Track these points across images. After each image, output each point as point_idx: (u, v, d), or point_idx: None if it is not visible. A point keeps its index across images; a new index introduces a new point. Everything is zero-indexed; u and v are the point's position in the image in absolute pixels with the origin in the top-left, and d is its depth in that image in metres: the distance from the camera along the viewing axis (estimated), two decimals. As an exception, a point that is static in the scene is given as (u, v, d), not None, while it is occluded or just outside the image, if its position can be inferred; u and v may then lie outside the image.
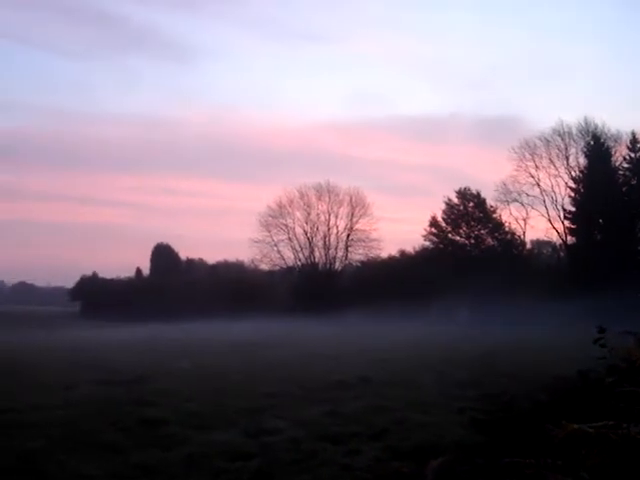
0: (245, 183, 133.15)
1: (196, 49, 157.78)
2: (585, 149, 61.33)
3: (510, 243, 66.74)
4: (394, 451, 9.23)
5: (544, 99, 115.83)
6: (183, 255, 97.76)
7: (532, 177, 63.55)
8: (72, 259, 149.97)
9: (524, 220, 65.11)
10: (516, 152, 63.92)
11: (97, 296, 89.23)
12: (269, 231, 77.64)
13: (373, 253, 77.72)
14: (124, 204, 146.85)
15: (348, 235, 77.69)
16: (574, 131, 62.19)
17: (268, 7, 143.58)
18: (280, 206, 77.99)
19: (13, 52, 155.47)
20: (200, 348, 30.30)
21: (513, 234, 66.77)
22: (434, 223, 69.98)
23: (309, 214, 78.45)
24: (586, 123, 61.51)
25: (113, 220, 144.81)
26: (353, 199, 77.15)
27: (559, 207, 62.52)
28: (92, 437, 10.52)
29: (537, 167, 63.48)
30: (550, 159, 63.05)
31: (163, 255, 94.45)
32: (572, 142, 62.44)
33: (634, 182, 59.41)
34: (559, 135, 62.71)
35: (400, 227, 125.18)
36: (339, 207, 77.66)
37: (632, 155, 59.57)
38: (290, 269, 79.64)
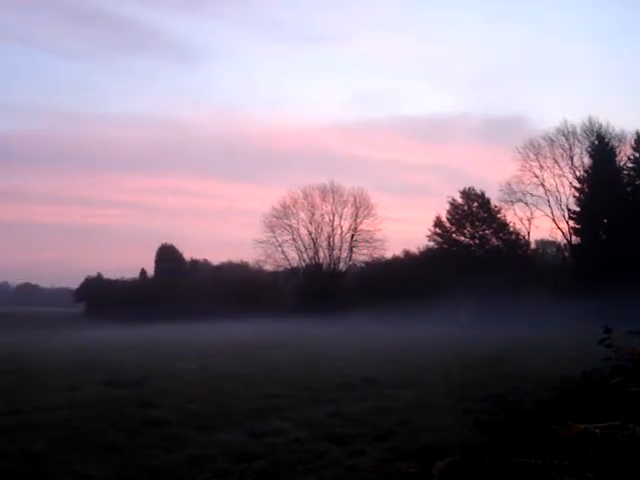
0: (249, 184, 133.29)
1: (199, 50, 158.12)
2: (589, 149, 61.22)
3: (515, 243, 66.66)
4: (400, 452, 9.21)
5: (548, 99, 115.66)
6: (187, 256, 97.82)
7: (536, 177, 63.52)
8: (77, 260, 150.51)
9: (528, 220, 65.06)
10: (520, 152, 63.89)
11: (102, 297, 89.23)
12: (273, 232, 77.70)
13: (377, 253, 77.69)
14: (128, 205, 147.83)
15: (352, 235, 77.69)
16: (578, 131, 62.18)
17: (271, 8, 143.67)
18: (284, 207, 78.08)
19: (17, 54, 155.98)
20: (204, 349, 30.30)
21: (517, 234, 66.71)
22: (438, 223, 69.93)
23: (313, 215, 78.49)
24: (590, 123, 61.50)
25: (118, 221, 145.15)
26: (357, 199, 77.17)
27: (563, 207, 62.50)
28: (96, 438, 10.53)
29: (541, 167, 63.43)
30: (554, 159, 63.01)
31: (168, 256, 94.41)
32: (576, 142, 62.41)
33: (639, 182, 59.30)
34: (563, 135, 62.68)
35: (404, 227, 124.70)
36: (343, 208, 77.67)
37: (636, 155, 59.48)
38: (294, 270, 79.61)
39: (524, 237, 66.74)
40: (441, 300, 51.71)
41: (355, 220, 77.25)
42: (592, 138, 61.10)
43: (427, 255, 69.85)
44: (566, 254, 65.80)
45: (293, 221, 78.27)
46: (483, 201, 68.71)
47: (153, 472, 8.68)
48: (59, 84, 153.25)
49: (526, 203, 64.32)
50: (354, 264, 79.74)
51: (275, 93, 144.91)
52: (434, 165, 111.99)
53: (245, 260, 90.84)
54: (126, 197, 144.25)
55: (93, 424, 11.65)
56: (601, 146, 60.14)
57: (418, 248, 73.98)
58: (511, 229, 66.84)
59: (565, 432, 3.69)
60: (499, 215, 67.45)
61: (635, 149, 59.44)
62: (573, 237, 62.49)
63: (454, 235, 69.35)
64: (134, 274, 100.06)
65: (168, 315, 66.33)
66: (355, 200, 77.04)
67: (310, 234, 78.18)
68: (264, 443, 10.13)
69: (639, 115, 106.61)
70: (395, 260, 75.98)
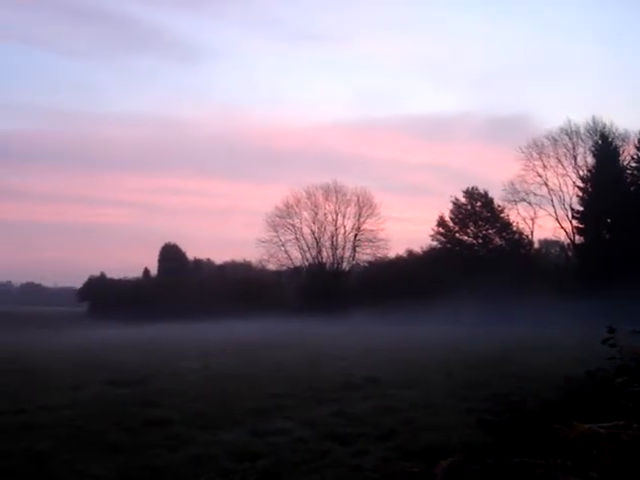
0: (251, 183, 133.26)
1: (201, 49, 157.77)
2: (593, 148, 61.17)
3: (518, 243, 66.63)
4: (403, 451, 9.19)
5: (551, 98, 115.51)
6: (191, 255, 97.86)
7: (540, 176, 63.55)
8: (80, 259, 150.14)
9: (532, 220, 65.09)
10: (524, 151, 63.94)
11: (105, 296, 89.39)
12: (276, 231, 77.84)
13: (380, 253, 77.77)
14: (130, 204, 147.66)
15: (355, 235, 77.73)
16: (582, 130, 62.16)
17: (273, 7, 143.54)
18: (287, 206, 78.19)
19: (18, 53, 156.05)
20: (207, 348, 30.29)
21: (521, 234, 66.70)
22: (442, 223, 69.91)
23: (316, 214, 78.57)
24: (594, 122, 61.46)
25: (121, 220, 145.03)
26: (360, 199, 77.22)
27: (567, 206, 62.49)
28: (99, 437, 10.52)
29: (545, 166, 63.46)
30: (558, 158, 63.01)
31: (171, 255, 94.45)
32: (580, 141, 62.41)
33: (642, 181, 59.26)
34: (567, 134, 62.67)
35: (407, 227, 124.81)
36: (346, 207, 77.75)
37: (640, 154, 59.39)
38: (297, 269, 79.66)
39: (527, 237, 66.85)
40: (444, 300, 51.67)
41: (358, 219, 77.42)
42: (596, 138, 61.08)
43: (430, 255, 69.85)
44: (569, 254, 65.78)
45: (296, 220, 78.49)
46: (486, 200, 68.70)
47: (156, 471, 8.67)
48: (60, 83, 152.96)
49: (529, 203, 64.46)
50: (357, 263, 79.93)
51: (277, 92, 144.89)
52: (436, 164, 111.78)
53: (248, 259, 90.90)
54: (128, 196, 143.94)
55: (96, 423, 11.65)
56: (605, 145, 60.08)
57: (421, 248, 74.18)
58: (514, 229, 66.92)
59: (569, 432, 3.68)
60: (502, 215, 67.48)
61: (639, 149, 59.33)
62: (577, 237, 62.53)
63: (457, 234, 69.36)
64: (137, 273, 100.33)
65: (171, 314, 66.41)
66: (358, 199, 77.21)
67: (313, 233, 78.37)
68: (267, 442, 10.12)
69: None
70: (398, 260, 76.01)
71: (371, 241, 77.27)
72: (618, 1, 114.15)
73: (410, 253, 76.22)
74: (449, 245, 69.02)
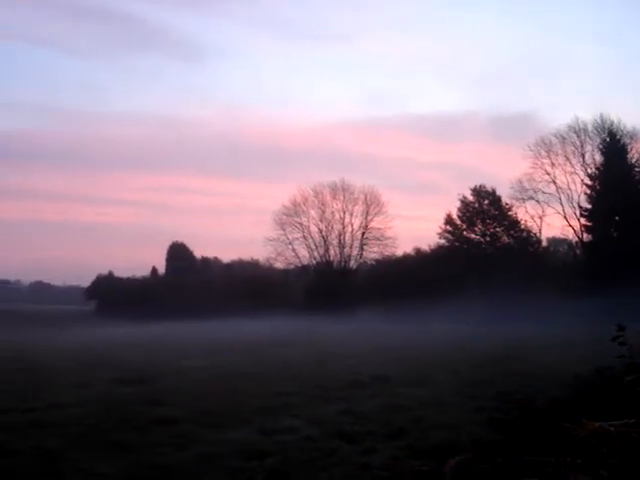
0: (258, 182, 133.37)
1: (206, 48, 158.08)
2: (601, 146, 60.86)
3: (526, 241, 66.39)
4: (412, 450, 9.18)
5: (559, 96, 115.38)
6: (198, 254, 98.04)
7: (548, 174, 63.20)
8: (88, 258, 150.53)
9: (540, 218, 64.72)
10: (531, 149, 63.62)
11: (113, 295, 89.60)
12: (284, 230, 77.77)
13: (388, 251, 77.61)
14: (137, 203, 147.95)
15: (363, 233, 77.64)
16: (590, 128, 61.80)
17: (279, 6, 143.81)
18: (295, 204, 78.11)
19: (20, 51, 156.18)
20: (215, 347, 30.34)
21: (529, 232, 66.42)
22: (449, 221, 69.69)
23: (324, 212, 78.49)
24: (602, 120, 61.10)
25: (128, 219, 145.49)
26: (368, 197, 77.08)
27: (575, 204, 62.15)
28: (106, 436, 10.53)
29: (553, 164, 63.14)
30: (566, 156, 62.68)
31: (178, 254, 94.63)
32: (588, 139, 62.07)
33: (650, 179, 59.03)
34: (575, 132, 62.32)
35: (415, 225, 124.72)
36: (354, 205, 77.62)
37: (648, 152, 59.13)
38: (305, 267, 79.62)
39: (535, 235, 66.52)
40: (452, 298, 51.57)
41: (366, 218, 77.29)
42: (603, 135, 60.76)
43: (438, 253, 69.66)
44: (578, 252, 65.45)
45: (304, 219, 78.41)
46: (494, 199, 68.45)
47: (163, 470, 8.67)
48: (61, 82, 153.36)
49: (537, 201, 64.08)
50: (365, 262, 79.81)
51: (283, 92, 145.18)
52: (444, 163, 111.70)
53: (256, 258, 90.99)
54: (134, 196, 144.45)
55: (104, 422, 11.66)
56: (612, 143, 59.81)
57: (429, 246, 73.96)
58: (522, 227, 66.55)
59: (579, 430, 3.66)
60: (510, 213, 67.17)
61: (647, 146, 59.10)
62: (585, 234, 62.15)
63: (465, 233, 69.12)
64: (145, 272, 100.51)
65: (178, 313, 66.57)
66: (366, 198, 77.08)
67: (321, 232, 78.28)
68: (275, 441, 10.12)
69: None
70: (406, 258, 75.88)
71: (378, 239, 77.24)
72: (618, 1, 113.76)
73: (418, 251, 76.14)
74: (457, 243, 68.77)
